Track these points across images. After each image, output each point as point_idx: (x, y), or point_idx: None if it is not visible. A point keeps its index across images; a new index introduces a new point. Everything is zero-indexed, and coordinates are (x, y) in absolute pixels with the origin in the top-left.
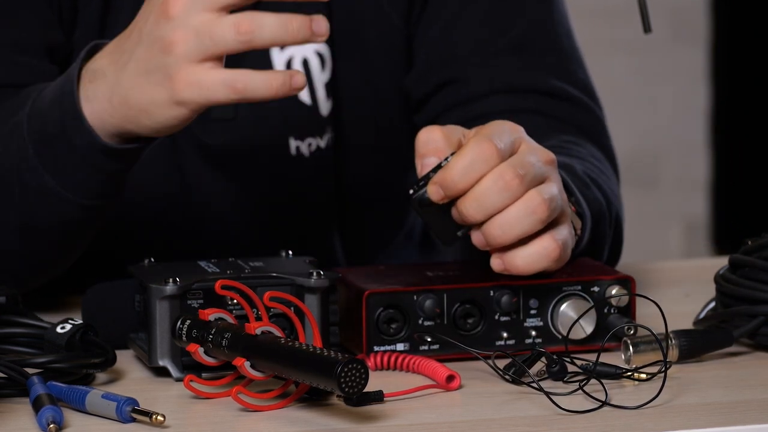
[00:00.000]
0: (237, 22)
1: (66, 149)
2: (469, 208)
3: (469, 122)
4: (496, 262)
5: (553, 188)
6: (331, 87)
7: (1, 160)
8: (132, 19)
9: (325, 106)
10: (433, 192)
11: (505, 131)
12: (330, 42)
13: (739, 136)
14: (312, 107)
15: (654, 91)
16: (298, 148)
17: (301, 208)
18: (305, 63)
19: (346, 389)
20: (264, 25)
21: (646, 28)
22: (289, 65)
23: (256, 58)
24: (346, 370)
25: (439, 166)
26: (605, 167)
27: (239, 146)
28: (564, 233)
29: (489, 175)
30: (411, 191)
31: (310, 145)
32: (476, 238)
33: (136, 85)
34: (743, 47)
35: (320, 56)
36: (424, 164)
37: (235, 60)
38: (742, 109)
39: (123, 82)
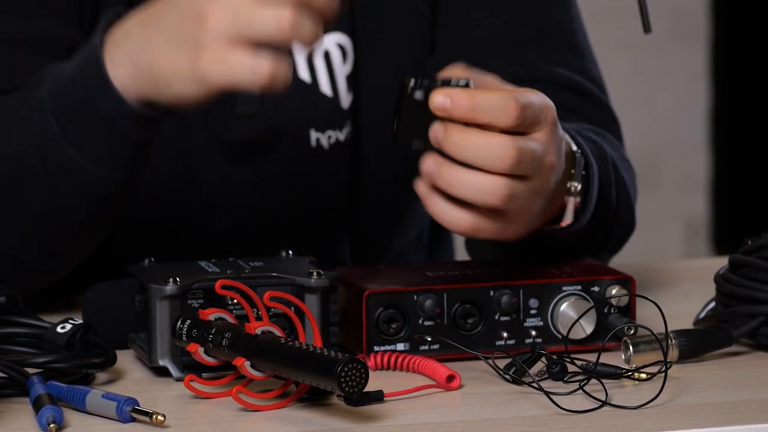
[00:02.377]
0: (280, 15)
1: (91, 117)
2: (452, 143)
3: None
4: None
5: (522, 187)
6: (352, 80)
7: (23, 141)
8: None
9: (345, 99)
10: (438, 99)
11: (536, 106)
12: (352, 33)
13: (739, 136)
14: (333, 99)
15: (654, 91)
16: (318, 140)
17: (315, 204)
18: (326, 55)
19: (346, 389)
20: (305, 27)
21: (646, 28)
22: (310, 58)
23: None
24: (346, 369)
25: (447, 81)
26: (625, 160)
27: (260, 139)
28: (521, 188)
29: (493, 137)
30: (412, 80)
31: (330, 137)
32: (430, 165)
33: (162, 52)
34: (743, 47)
35: (342, 48)
36: (438, 74)
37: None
38: (742, 109)
39: (150, 47)
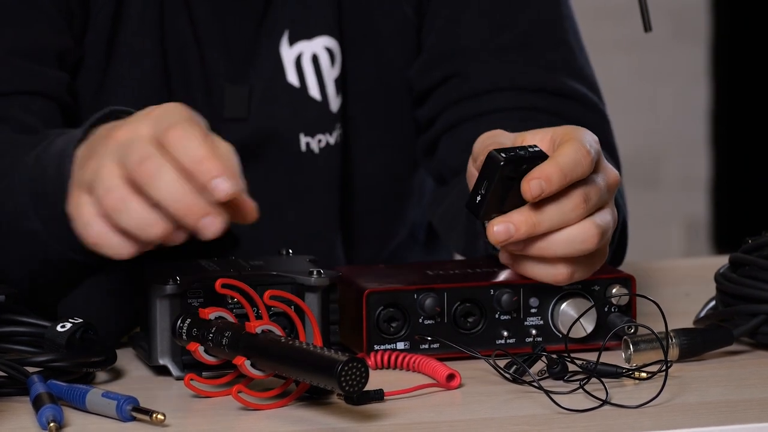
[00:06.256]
0: (105, 194)
1: (55, 203)
2: (544, 228)
3: (473, 118)
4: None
5: (608, 216)
6: (340, 83)
7: (6, 200)
8: (140, 27)
9: (334, 103)
10: (534, 186)
11: (594, 140)
12: (340, 36)
13: (740, 135)
14: (322, 103)
15: (654, 91)
16: (308, 144)
17: (306, 207)
18: (315, 59)
19: (347, 388)
20: (128, 209)
21: (647, 26)
22: (298, 61)
23: (267, 52)
24: (346, 369)
25: (525, 149)
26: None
27: (250, 143)
28: (607, 218)
29: (568, 201)
30: (502, 155)
31: (320, 141)
32: (515, 246)
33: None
34: (744, 46)
35: (330, 52)
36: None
37: (247, 49)
38: (742, 108)
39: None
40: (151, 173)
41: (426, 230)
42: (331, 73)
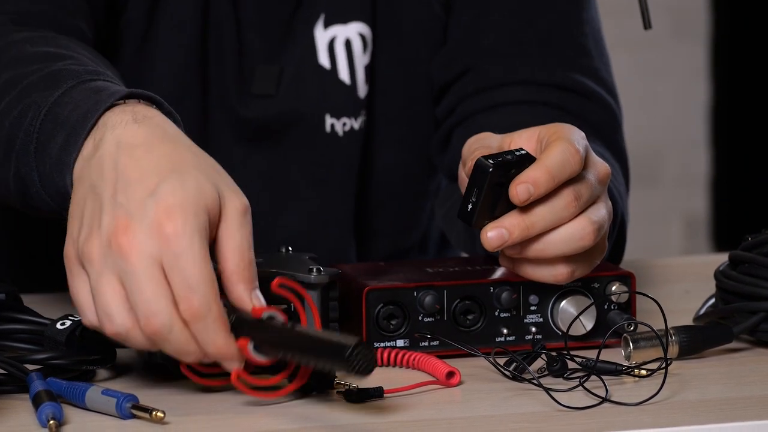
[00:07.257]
0: (107, 320)
1: (56, 160)
2: (536, 230)
3: (484, 110)
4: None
5: (602, 211)
6: (369, 71)
7: (14, 124)
8: (183, 2)
9: (362, 89)
10: (521, 191)
11: (582, 137)
12: (372, 25)
13: (740, 132)
14: (351, 87)
15: (654, 88)
16: (332, 126)
17: (324, 188)
18: (348, 44)
19: (357, 369)
20: (129, 339)
21: (647, 24)
22: (331, 44)
23: (301, 34)
24: (357, 350)
25: (511, 153)
26: (614, 169)
27: (276, 120)
28: (602, 213)
29: (560, 198)
30: (490, 162)
31: (344, 124)
32: (512, 250)
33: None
34: (743, 43)
35: (363, 38)
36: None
37: (283, 31)
38: (742, 105)
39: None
40: (160, 333)
41: (437, 244)
42: (362, 59)
